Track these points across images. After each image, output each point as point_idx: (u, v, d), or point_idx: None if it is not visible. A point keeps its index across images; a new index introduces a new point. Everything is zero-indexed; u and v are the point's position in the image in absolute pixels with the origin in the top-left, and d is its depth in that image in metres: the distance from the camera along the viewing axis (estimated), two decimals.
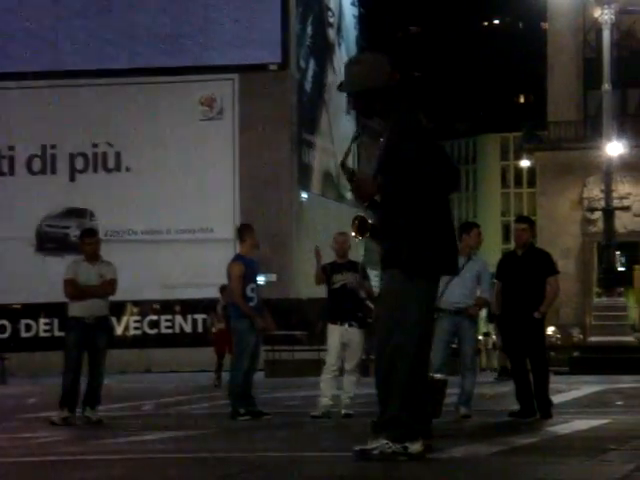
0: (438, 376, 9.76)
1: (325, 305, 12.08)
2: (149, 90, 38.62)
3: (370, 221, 6.48)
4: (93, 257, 11.59)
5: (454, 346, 11.17)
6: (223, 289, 19.94)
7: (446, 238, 6.48)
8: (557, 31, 40.65)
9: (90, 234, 11.98)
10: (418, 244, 6.36)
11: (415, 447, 6.31)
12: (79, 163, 39.28)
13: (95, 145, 39.08)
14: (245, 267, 11.60)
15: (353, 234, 6.62)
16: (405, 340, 6.31)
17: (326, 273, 11.69)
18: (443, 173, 6.45)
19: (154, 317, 32.53)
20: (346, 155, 6.61)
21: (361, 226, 6.54)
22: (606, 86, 29.67)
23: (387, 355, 6.37)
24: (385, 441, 6.32)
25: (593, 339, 29.25)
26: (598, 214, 34.54)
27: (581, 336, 37.14)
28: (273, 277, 33.53)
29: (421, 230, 6.37)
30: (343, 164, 6.59)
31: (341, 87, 6.60)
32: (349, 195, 45.72)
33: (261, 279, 12.24)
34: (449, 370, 10.52)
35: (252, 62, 38.93)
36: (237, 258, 11.83)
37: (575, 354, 29.84)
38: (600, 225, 32.82)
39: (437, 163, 6.43)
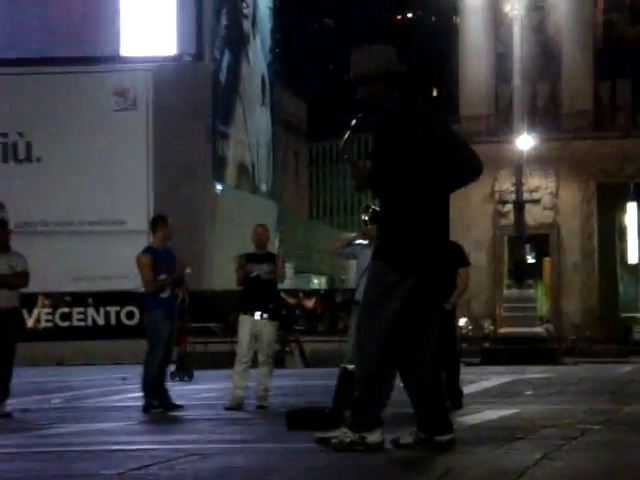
0: (352, 367, 9.82)
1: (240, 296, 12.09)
2: (62, 80, 38.10)
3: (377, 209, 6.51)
4: (3, 248, 11.45)
5: None
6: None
7: (436, 234, 6.40)
8: (469, 26, 41.06)
9: (0, 225, 11.82)
10: (406, 238, 6.29)
11: (373, 437, 6.31)
12: None
13: (5, 135, 38.45)
14: (154, 258, 11.55)
15: (365, 219, 6.60)
16: (375, 332, 6.29)
17: (242, 263, 11.70)
18: (446, 167, 6.32)
19: (66, 309, 32.14)
20: (345, 142, 6.56)
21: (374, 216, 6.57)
22: (516, 80, 30.11)
23: (358, 344, 6.41)
24: (345, 430, 6.34)
25: (503, 330, 29.70)
26: (509, 207, 35.01)
27: (492, 327, 37.63)
28: (187, 269, 33.35)
29: (410, 224, 6.30)
30: (343, 150, 6.56)
31: (355, 72, 6.48)
32: (264, 187, 45.67)
33: None
34: None
35: (167, 53, 38.68)
36: (146, 250, 11.79)
37: (486, 345, 30.27)
38: (511, 218, 33.29)
39: (439, 155, 6.32)
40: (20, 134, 38.30)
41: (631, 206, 41.46)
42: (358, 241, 10.75)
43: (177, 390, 12.77)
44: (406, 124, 6.37)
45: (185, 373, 20.03)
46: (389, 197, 6.38)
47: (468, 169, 6.46)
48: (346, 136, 6.55)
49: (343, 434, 6.31)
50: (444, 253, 6.48)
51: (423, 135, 6.35)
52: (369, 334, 6.32)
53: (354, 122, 6.50)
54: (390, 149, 6.34)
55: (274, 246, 36.32)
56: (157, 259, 11.55)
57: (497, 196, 38.96)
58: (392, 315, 6.30)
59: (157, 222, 11.94)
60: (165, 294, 11.58)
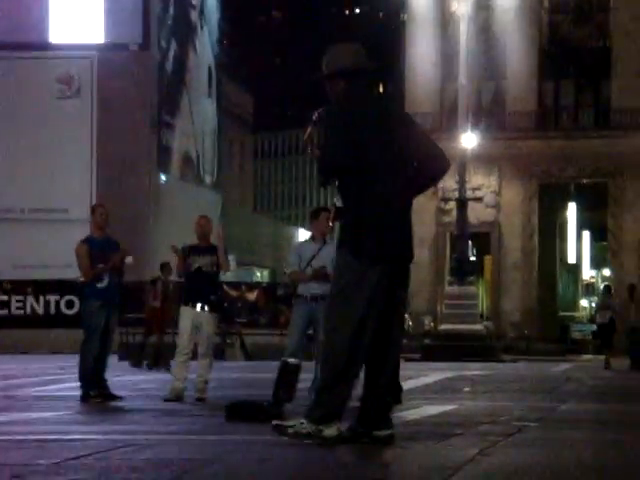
0: (292, 361, 9.85)
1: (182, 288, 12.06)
2: (4, 66, 37.66)
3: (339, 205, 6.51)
4: None
5: (310, 332, 11.23)
6: (163, 266, 19.78)
7: (394, 223, 6.42)
8: (416, 23, 41.22)
9: None
10: (363, 227, 6.32)
11: (330, 431, 6.28)
12: None
13: None
14: (92, 247, 11.56)
15: (330, 223, 6.62)
16: (343, 323, 6.27)
17: (185, 254, 11.64)
18: (412, 173, 6.43)
19: (5, 297, 31.84)
20: (308, 135, 6.53)
21: (338, 215, 6.56)
22: (462, 79, 30.29)
23: (325, 335, 6.41)
24: (302, 420, 6.32)
25: (444, 327, 29.90)
26: (452, 204, 35.23)
27: (432, 324, 37.87)
28: (130, 259, 33.12)
29: (367, 213, 6.32)
30: (307, 144, 6.54)
31: (326, 69, 6.55)
32: (208, 179, 45.50)
33: None
34: (304, 355, 10.59)
35: (112, 41, 38.37)
36: (84, 240, 11.85)
37: (426, 341, 30.44)
38: (454, 215, 33.52)
39: (402, 153, 6.40)
40: None
41: (571, 206, 41.94)
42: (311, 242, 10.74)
43: (117, 380, 12.69)
44: (359, 118, 6.40)
45: (163, 364, 19.75)
46: (346, 188, 6.40)
47: (436, 166, 6.57)
48: (309, 130, 6.55)
49: (300, 425, 6.29)
50: (405, 243, 6.50)
51: (379, 130, 6.39)
52: (337, 325, 6.30)
53: (316, 116, 6.51)
54: (340, 140, 6.35)
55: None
56: (95, 248, 11.55)
57: (440, 193, 39.18)
58: (361, 305, 6.29)
59: (93, 211, 12.06)
60: (102, 284, 11.56)
